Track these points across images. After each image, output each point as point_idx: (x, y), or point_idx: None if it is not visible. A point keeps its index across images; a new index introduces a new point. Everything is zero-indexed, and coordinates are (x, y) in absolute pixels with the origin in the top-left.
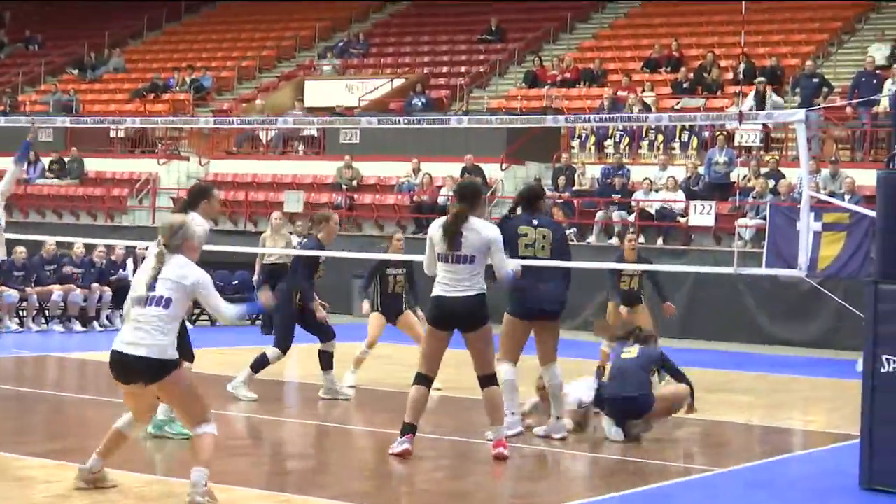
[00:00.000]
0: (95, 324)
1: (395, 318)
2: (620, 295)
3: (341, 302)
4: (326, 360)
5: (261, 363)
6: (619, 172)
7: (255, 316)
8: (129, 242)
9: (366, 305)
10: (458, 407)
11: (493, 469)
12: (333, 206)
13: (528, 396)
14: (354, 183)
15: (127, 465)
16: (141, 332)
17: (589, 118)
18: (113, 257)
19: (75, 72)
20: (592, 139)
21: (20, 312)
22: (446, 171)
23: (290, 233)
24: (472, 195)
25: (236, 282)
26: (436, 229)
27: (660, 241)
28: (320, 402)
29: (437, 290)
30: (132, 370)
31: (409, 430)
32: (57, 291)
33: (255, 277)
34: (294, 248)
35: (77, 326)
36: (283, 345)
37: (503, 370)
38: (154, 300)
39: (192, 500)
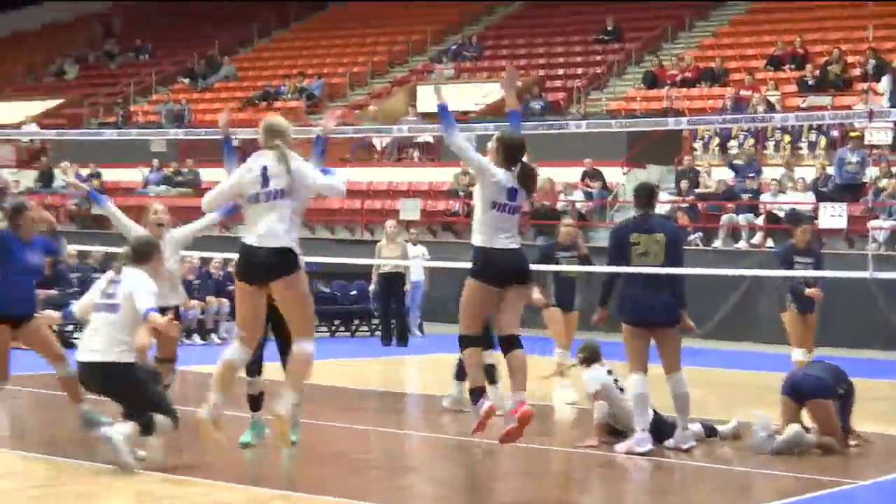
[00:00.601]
0: (213, 336)
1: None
2: (803, 301)
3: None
4: (490, 372)
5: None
6: (750, 173)
7: (374, 326)
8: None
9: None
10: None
11: (622, 483)
12: (450, 213)
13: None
14: (472, 189)
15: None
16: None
17: (712, 119)
18: (229, 269)
19: (186, 81)
20: (716, 141)
21: None
22: (566, 176)
23: (406, 241)
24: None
25: (354, 292)
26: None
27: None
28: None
29: (491, 242)
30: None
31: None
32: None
33: (372, 287)
34: (409, 257)
35: (196, 339)
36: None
37: (634, 382)
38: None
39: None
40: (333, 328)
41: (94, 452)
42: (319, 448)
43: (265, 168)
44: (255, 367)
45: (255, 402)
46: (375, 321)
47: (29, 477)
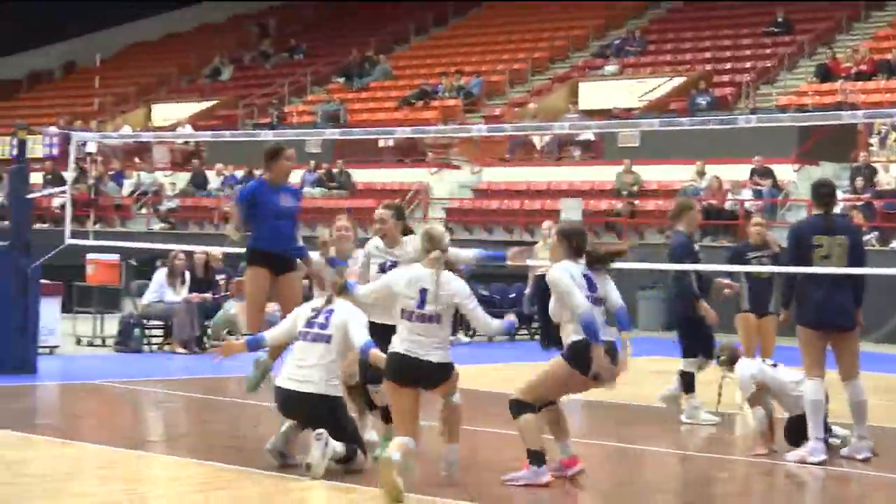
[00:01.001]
0: None
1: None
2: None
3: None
4: (691, 381)
5: (690, 381)
6: None
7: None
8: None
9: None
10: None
11: (797, 494)
12: (613, 213)
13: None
14: (635, 188)
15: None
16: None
17: (890, 112)
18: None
19: (341, 80)
20: (893, 136)
21: None
22: (734, 174)
23: None
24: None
25: (513, 295)
26: None
27: None
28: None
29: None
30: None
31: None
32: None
33: (528, 290)
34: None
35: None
36: (694, 351)
37: (810, 389)
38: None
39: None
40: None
41: (248, 457)
42: (487, 456)
43: (424, 290)
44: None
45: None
46: (536, 325)
47: (184, 482)
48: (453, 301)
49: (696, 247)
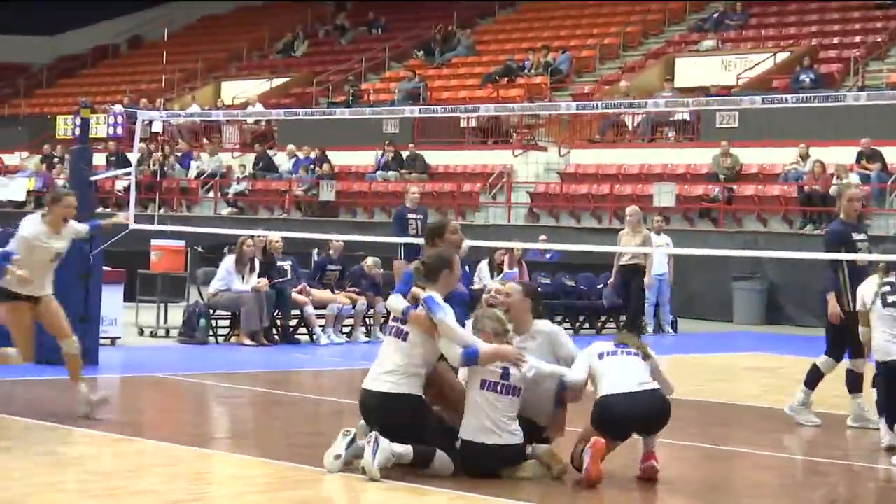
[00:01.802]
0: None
1: None
2: None
3: (720, 308)
4: (855, 381)
5: (815, 376)
6: None
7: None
8: (483, 243)
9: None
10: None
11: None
12: (710, 198)
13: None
14: (733, 172)
15: None
16: None
17: None
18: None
19: (421, 56)
20: None
21: (367, 321)
22: (840, 157)
23: (650, 229)
24: None
25: (601, 285)
26: None
27: None
28: (848, 432)
29: None
30: None
31: None
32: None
33: (612, 279)
34: (653, 245)
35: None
36: (837, 353)
37: None
38: None
39: None
40: (578, 324)
41: (318, 457)
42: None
43: (507, 370)
44: None
45: None
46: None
47: (250, 482)
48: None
49: (861, 235)
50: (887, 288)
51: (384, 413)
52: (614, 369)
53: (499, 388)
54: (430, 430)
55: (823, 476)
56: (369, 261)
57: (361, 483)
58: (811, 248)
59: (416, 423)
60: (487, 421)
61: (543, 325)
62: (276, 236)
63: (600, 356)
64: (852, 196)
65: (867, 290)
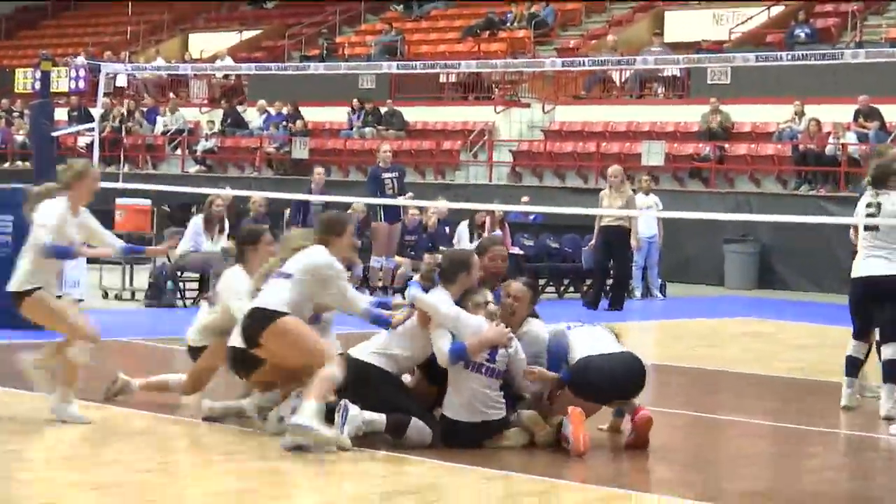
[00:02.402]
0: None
1: None
2: None
3: (711, 272)
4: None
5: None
6: None
7: None
8: (463, 204)
9: None
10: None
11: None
12: (700, 157)
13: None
14: (724, 130)
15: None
16: None
17: None
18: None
19: (399, 8)
20: None
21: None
22: (837, 115)
23: (634, 190)
24: None
25: (586, 247)
26: None
27: None
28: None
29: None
30: None
31: None
32: (387, 260)
33: (592, 241)
34: (638, 206)
35: (399, 300)
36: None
37: None
38: None
39: None
40: (563, 288)
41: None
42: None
43: (494, 351)
44: None
45: None
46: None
47: (216, 451)
48: None
49: None
50: (872, 209)
51: (358, 382)
52: (586, 337)
53: (484, 370)
54: (403, 399)
55: (817, 445)
56: (356, 205)
57: (333, 454)
58: (806, 210)
59: (388, 393)
60: (475, 401)
61: (538, 327)
62: (258, 196)
63: (568, 328)
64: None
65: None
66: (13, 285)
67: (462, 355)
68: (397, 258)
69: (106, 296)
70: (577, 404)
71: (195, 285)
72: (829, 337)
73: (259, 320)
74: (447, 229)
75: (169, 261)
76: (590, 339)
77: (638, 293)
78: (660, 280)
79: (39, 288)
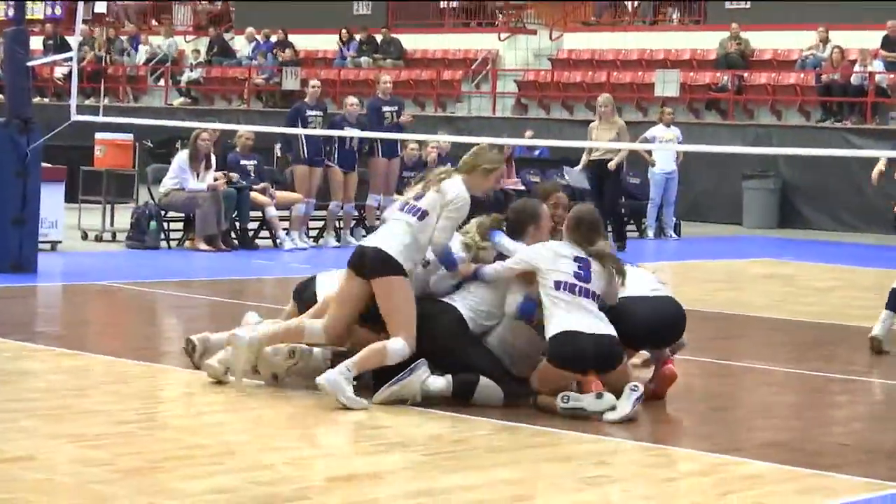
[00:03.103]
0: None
1: None
2: None
3: (729, 210)
4: None
5: None
6: None
7: None
8: (465, 138)
9: None
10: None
11: None
12: (718, 87)
13: None
14: (744, 59)
15: None
16: None
17: None
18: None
19: None
20: None
21: (337, 223)
22: (863, 42)
23: (657, 122)
24: None
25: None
26: None
27: None
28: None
29: None
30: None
31: None
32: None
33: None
34: (659, 140)
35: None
36: None
37: None
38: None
39: None
40: None
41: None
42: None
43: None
44: None
45: None
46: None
47: (205, 401)
48: None
49: None
50: None
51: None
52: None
53: (577, 289)
54: (477, 356)
55: (842, 394)
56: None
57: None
58: (830, 144)
59: (463, 347)
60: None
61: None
62: (246, 131)
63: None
64: None
65: None
66: None
67: (531, 313)
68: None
69: (85, 237)
70: None
71: (180, 226)
72: (853, 279)
73: (381, 264)
74: (448, 164)
75: (153, 199)
76: (629, 279)
77: (651, 232)
78: (675, 219)
79: None
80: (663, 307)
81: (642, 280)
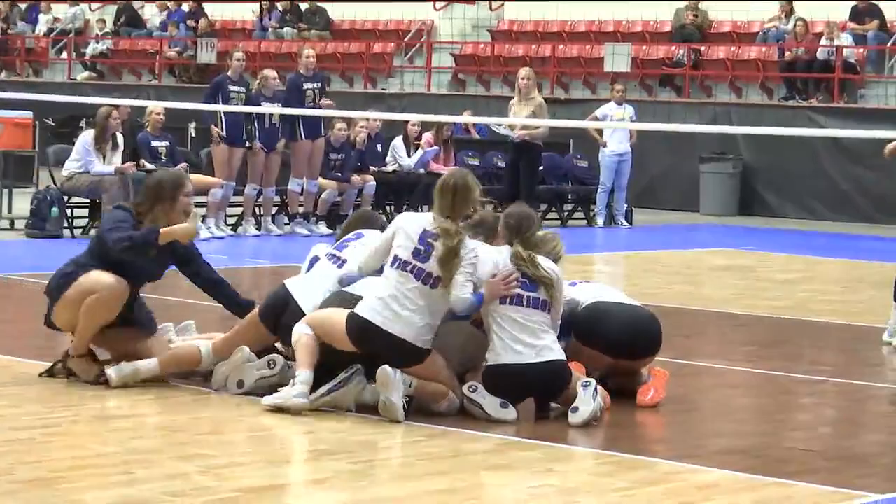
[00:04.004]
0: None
1: None
2: None
3: (685, 195)
4: None
5: None
6: None
7: None
8: (397, 115)
9: None
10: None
11: None
12: (673, 61)
13: None
14: (700, 31)
15: None
16: None
17: None
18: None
19: None
20: None
21: (256, 210)
22: (829, 14)
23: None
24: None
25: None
26: None
27: None
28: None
29: None
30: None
31: None
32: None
33: None
34: (610, 119)
35: (323, 229)
36: None
37: None
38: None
39: None
40: None
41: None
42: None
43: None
44: None
45: None
46: (570, 205)
47: (112, 408)
48: None
49: None
50: None
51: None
52: (591, 288)
53: (525, 300)
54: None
55: (808, 396)
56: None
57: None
58: (794, 124)
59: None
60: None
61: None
62: (157, 107)
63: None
64: None
65: None
66: None
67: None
68: (321, 180)
69: None
70: (581, 356)
71: (85, 212)
72: (819, 270)
73: (407, 356)
74: (379, 147)
75: (54, 183)
76: (596, 289)
77: (600, 220)
78: (626, 205)
79: None
80: (643, 317)
81: (610, 291)
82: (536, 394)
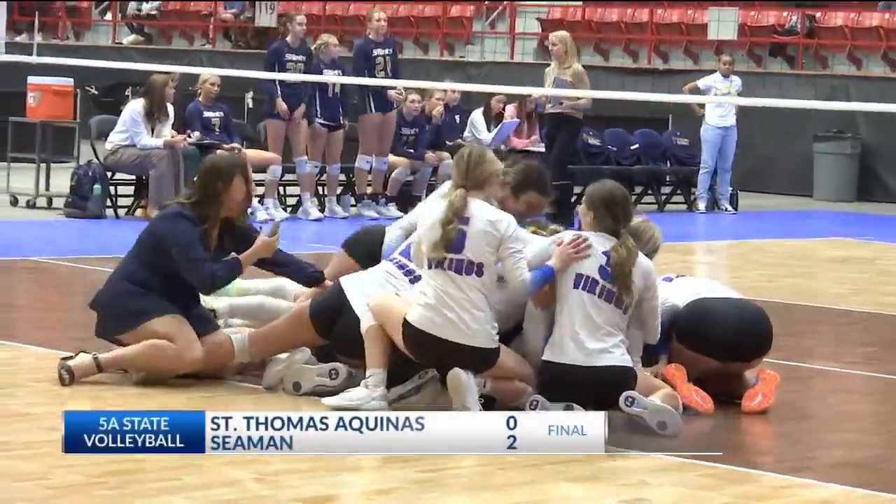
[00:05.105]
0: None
1: None
2: None
3: (797, 179)
4: None
5: None
6: None
7: None
8: (477, 87)
9: None
10: None
11: None
12: (785, 29)
13: None
14: None
15: None
16: None
17: None
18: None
19: None
20: None
21: (320, 189)
22: None
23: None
24: None
25: (636, 145)
26: None
27: None
28: None
29: None
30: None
31: None
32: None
33: None
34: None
35: (393, 211)
36: None
37: None
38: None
39: None
40: None
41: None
42: None
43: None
44: None
45: None
46: (668, 188)
47: (157, 399)
48: None
49: None
50: None
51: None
52: (688, 284)
53: (598, 289)
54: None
55: None
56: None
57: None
58: None
59: None
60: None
61: None
62: (211, 76)
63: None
64: None
65: None
66: None
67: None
68: (392, 158)
69: (15, 202)
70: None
71: (130, 191)
72: None
73: (476, 363)
74: (457, 119)
75: (97, 158)
76: (696, 284)
77: (702, 205)
78: (731, 188)
79: None
80: (753, 315)
81: (711, 285)
82: (589, 400)
